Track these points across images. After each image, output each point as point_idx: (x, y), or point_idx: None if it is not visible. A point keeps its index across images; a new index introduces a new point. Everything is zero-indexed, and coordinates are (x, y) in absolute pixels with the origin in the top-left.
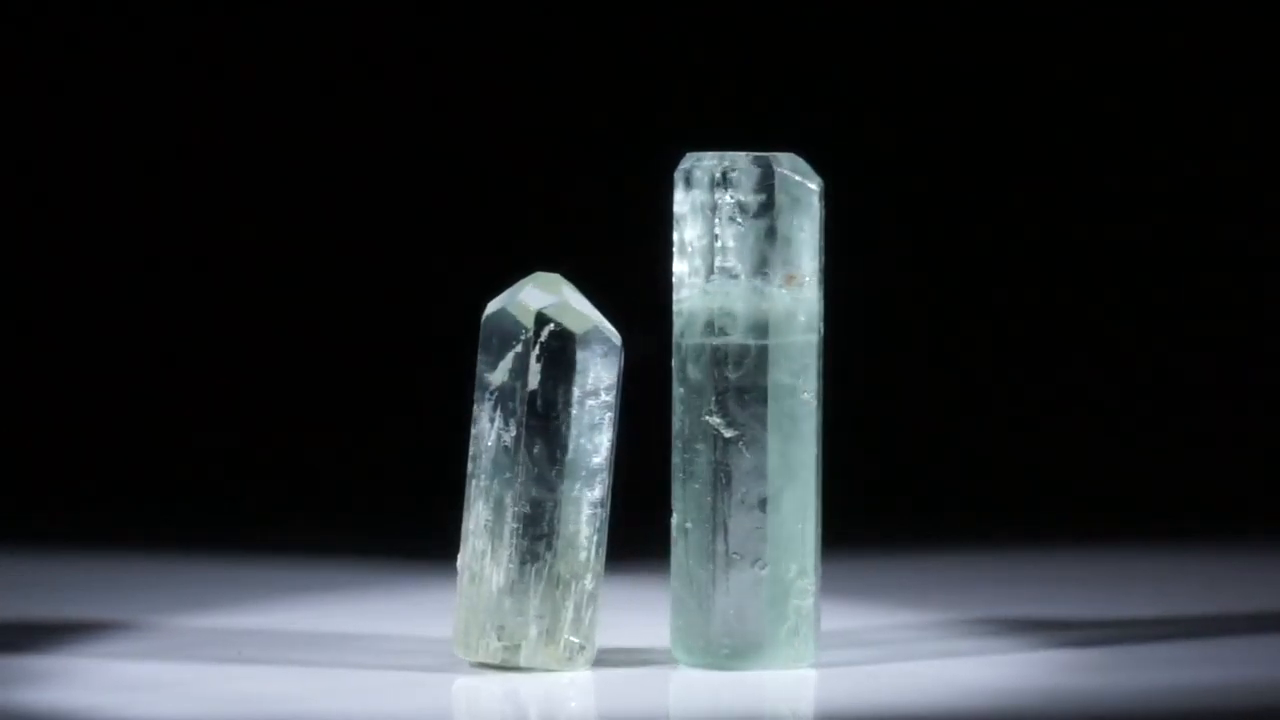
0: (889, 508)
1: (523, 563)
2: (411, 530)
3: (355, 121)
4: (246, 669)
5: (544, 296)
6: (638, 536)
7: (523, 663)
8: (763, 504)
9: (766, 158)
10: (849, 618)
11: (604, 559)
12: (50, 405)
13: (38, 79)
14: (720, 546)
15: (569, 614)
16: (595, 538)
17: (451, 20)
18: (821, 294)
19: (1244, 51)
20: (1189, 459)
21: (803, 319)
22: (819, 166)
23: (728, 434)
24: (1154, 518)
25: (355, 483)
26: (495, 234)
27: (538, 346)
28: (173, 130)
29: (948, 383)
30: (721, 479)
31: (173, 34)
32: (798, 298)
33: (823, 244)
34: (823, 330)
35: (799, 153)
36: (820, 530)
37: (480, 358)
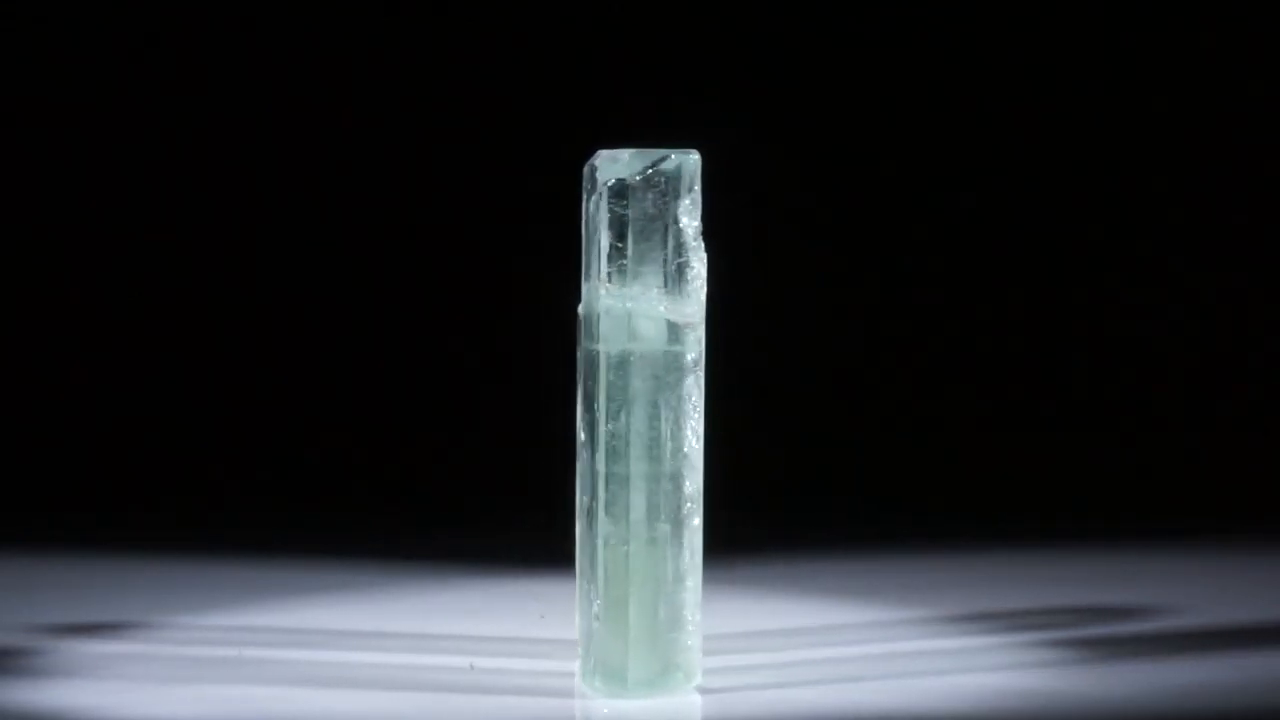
0: (847, 506)
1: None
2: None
3: (360, 122)
4: (246, 669)
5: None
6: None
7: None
8: (585, 514)
9: (618, 156)
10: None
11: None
12: (56, 405)
13: (49, 77)
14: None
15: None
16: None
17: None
18: (670, 297)
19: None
20: (1185, 454)
21: (624, 326)
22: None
23: (580, 437)
24: (1142, 517)
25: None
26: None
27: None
28: (224, 132)
29: (893, 383)
30: (579, 483)
31: (226, 34)
32: (617, 302)
33: (696, 245)
34: (683, 340)
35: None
36: (638, 553)
37: None
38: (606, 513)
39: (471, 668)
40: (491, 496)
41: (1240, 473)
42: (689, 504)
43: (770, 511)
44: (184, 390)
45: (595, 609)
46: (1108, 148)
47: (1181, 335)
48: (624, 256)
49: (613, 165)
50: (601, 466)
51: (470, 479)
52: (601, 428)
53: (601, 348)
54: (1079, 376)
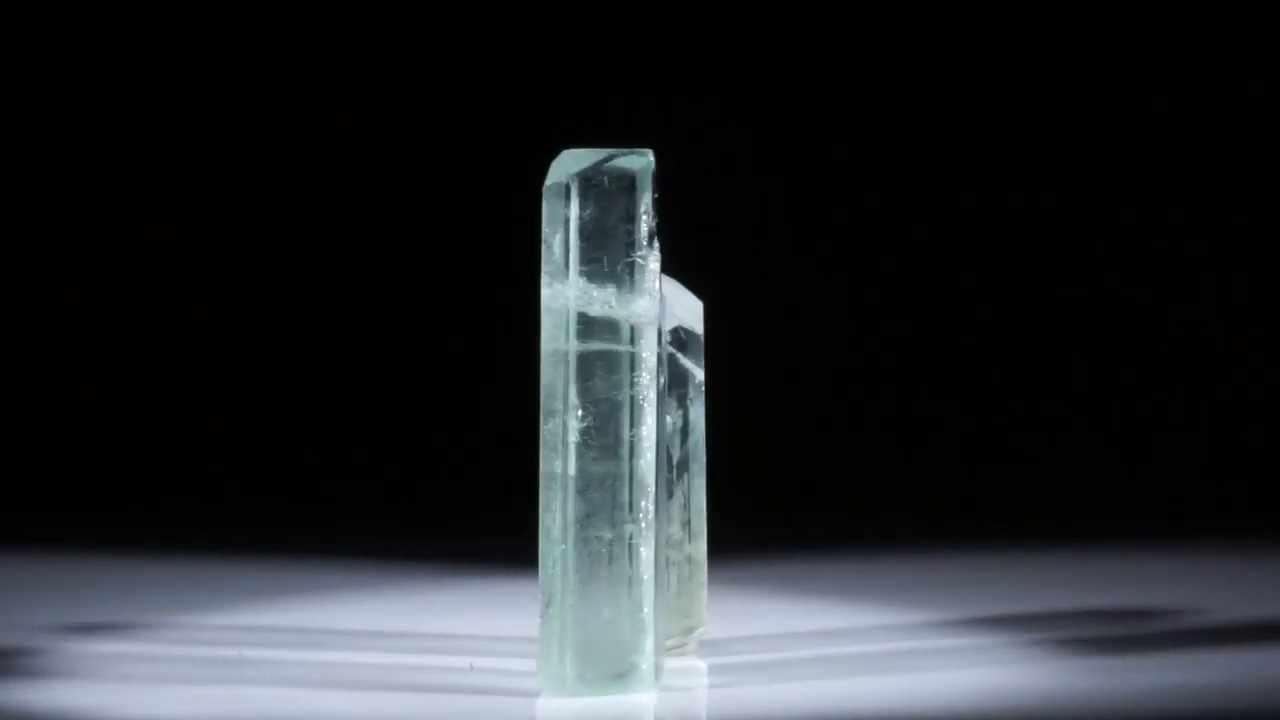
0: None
1: None
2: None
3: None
4: (247, 669)
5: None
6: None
7: None
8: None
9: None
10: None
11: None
12: (56, 405)
13: (49, 77)
14: None
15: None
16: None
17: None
18: (621, 296)
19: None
20: (1185, 454)
21: (567, 325)
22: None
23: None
24: (1142, 517)
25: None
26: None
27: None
28: (223, 132)
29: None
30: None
31: (237, 38)
32: (563, 302)
33: (649, 244)
34: (638, 339)
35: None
36: (579, 554)
37: None
38: (550, 512)
39: (471, 668)
40: (491, 496)
41: (1240, 473)
42: (645, 505)
43: (770, 511)
44: (184, 390)
45: (541, 610)
46: (1107, 147)
47: (1181, 335)
48: (568, 255)
49: (564, 164)
50: (552, 466)
51: (470, 479)
52: (548, 427)
53: (548, 346)
54: (1079, 376)
